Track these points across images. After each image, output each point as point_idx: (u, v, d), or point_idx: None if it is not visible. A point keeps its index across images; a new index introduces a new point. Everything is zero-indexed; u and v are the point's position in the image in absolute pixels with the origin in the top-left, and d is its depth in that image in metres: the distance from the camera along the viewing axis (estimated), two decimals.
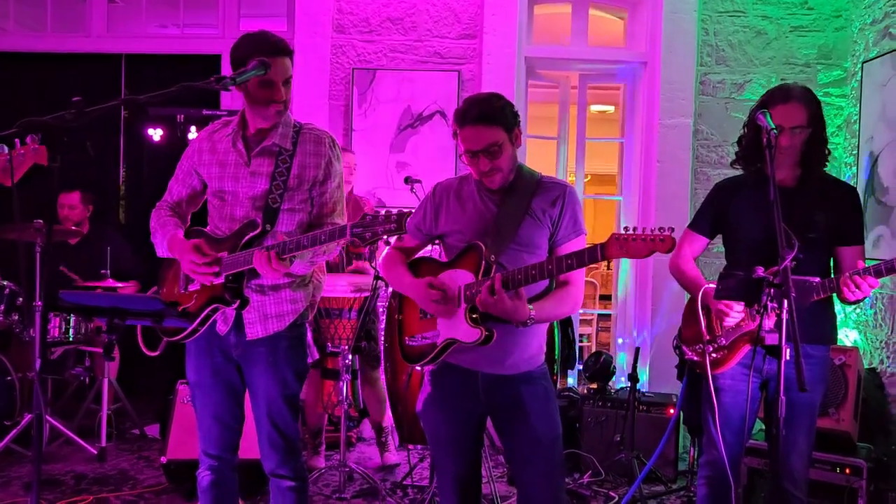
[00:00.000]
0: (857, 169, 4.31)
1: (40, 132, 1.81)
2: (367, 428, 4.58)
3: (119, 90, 5.24)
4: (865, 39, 4.33)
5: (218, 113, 4.79)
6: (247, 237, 2.32)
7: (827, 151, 2.57)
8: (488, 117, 2.17)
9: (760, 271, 2.21)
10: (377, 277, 3.49)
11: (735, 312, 2.49)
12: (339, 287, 3.51)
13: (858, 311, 4.27)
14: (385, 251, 2.43)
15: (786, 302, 2.07)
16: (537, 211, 2.25)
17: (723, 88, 4.55)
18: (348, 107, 4.57)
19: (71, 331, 4.26)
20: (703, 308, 2.63)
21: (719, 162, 4.54)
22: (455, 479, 2.32)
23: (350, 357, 3.46)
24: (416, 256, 2.43)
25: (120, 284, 4.21)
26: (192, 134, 4.98)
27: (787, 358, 2.10)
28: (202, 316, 2.32)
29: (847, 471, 3.45)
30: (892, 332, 3.99)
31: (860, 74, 4.30)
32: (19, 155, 2.34)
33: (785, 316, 2.07)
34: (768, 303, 2.15)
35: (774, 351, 2.13)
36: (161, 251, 2.47)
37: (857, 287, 2.27)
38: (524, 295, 2.12)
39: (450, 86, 4.52)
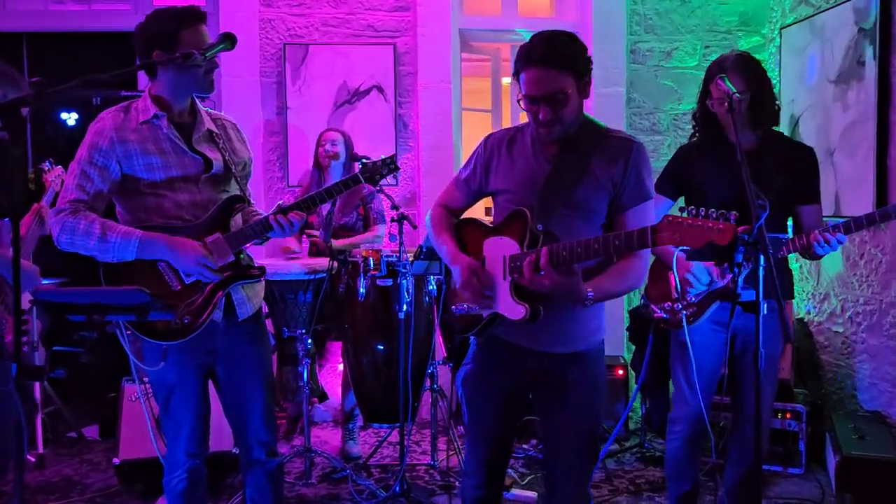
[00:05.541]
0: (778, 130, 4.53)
1: None
2: (318, 411, 4.51)
3: (21, 71, 4.86)
4: (782, 6, 4.53)
5: (137, 94, 4.52)
6: (236, 213, 2.32)
7: (777, 107, 2.67)
8: (558, 60, 1.87)
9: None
10: (333, 258, 3.41)
11: (699, 284, 2.58)
12: (293, 269, 3.40)
13: None
14: (430, 212, 2.23)
15: (762, 258, 2.15)
16: (597, 170, 1.97)
17: (651, 56, 4.66)
18: (281, 84, 4.41)
19: None
20: (669, 270, 2.71)
21: (651, 129, 4.67)
22: (486, 454, 2.20)
23: (309, 341, 3.38)
24: (463, 217, 2.21)
25: (49, 281, 3.93)
26: None
27: (765, 312, 2.19)
28: (217, 298, 2.24)
29: (788, 415, 3.68)
30: (818, 283, 4.25)
31: (778, 40, 4.50)
32: None
33: (762, 273, 2.15)
34: (743, 261, 2.24)
35: (751, 307, 2.22)
36: (111, 255, 2.16)
37: (827, 242, 2.40)
38: (578, 272, 1.86)
39: (386, 60, 4.43)
